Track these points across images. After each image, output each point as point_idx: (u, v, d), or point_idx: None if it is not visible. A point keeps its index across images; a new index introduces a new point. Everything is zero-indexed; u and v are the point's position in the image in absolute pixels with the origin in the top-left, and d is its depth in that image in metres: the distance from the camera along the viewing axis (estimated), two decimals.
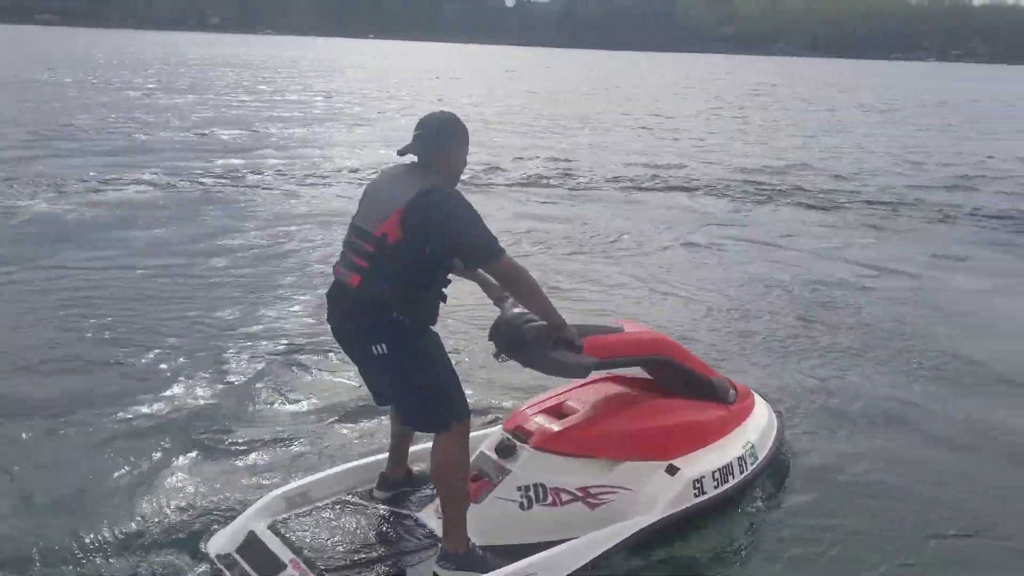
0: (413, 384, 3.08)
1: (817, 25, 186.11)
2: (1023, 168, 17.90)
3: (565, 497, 3.39)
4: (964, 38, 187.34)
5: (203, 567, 3.23)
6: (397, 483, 3.59)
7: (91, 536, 3.45)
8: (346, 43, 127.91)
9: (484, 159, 15.64)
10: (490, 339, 3.46)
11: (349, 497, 3.53)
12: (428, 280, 3.02)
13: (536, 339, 3.25)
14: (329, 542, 3.23)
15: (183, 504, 3.70)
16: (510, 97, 34.71)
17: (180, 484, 3.90)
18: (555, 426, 3.54)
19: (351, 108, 26.56)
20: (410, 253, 2.93)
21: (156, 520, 3.56)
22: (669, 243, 9.72)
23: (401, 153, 3.13)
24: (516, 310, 3.37)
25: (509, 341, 3.35)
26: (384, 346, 2.99)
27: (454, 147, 3.15)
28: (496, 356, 3.44)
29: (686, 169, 15.85)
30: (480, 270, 3.25)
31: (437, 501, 3.36)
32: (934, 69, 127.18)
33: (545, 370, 3.36)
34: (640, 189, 13.77)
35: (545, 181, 14.09)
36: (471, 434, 3.23)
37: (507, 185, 13.61)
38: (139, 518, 3.58)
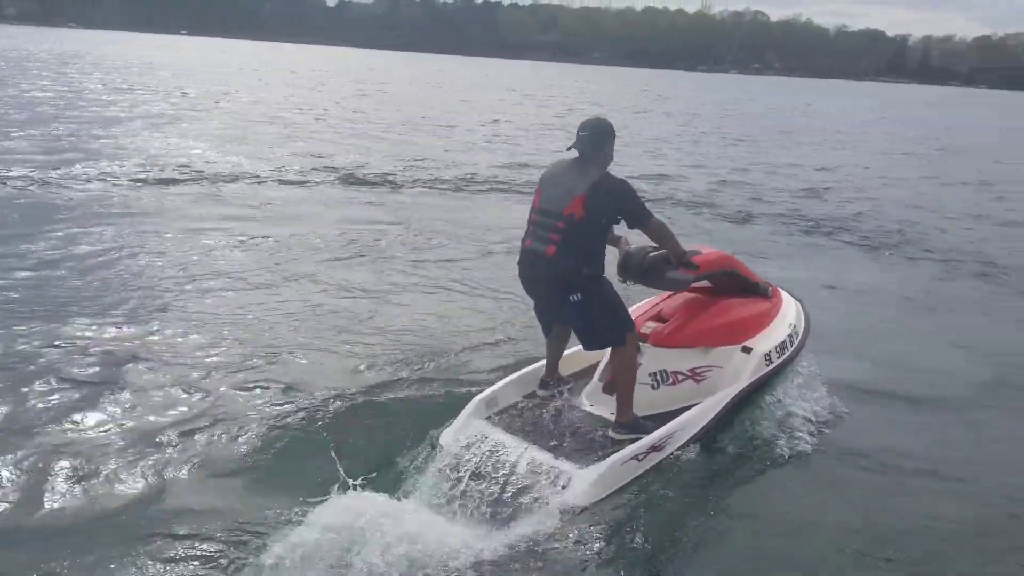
0: (601, 317, 4.46)
1: (632, 37, 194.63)
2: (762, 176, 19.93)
3: (680, 378, 4.88)
4: (762, 52, 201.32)
5: None
6: (552, 384, 4.99)
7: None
8: (157, 39, 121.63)
9: (312, 160, 15.95)
10: (619, 272, 4.79)
11: (525, 397, 4.97)
12: (601, 241, 4.44)
13: (654, 265, 4.73)
14: (530, 423, 4.65)
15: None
16: (320, 97, 34.55)
17: None
18: (664, 328, 4.92)
19: (155, 106, 25.72)
20: (591, 225, 4.30)
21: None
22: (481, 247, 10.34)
23: (569, 149, 4.42)
24: (633, 248, 4.82)
25: (636, 269, 4.78)
26: (579, 295, 4.36)
27: (608, 145, 4.47)
28: (623, 282, 4.80)
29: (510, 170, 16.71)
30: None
31: (586, 390, 5.01)
32: (734, 80, 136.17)
33: (661, 286, 4.99)
34: (463, 190, 14.45)
35: (374, 180, 14.48)
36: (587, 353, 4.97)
37: (328, 184, 13.95)
38: None
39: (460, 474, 4.28)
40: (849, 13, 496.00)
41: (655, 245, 4.69)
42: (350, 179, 14.45)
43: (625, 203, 4.34)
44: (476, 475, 4.28)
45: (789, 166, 21.18)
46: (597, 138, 4.42)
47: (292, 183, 13.78)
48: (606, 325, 4.50)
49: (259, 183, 13.43)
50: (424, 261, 9.27)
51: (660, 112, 41.42)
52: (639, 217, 4.37)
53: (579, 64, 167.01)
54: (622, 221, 4.42)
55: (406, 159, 17.38)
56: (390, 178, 14.77)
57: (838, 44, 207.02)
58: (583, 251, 4.32)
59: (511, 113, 33.47)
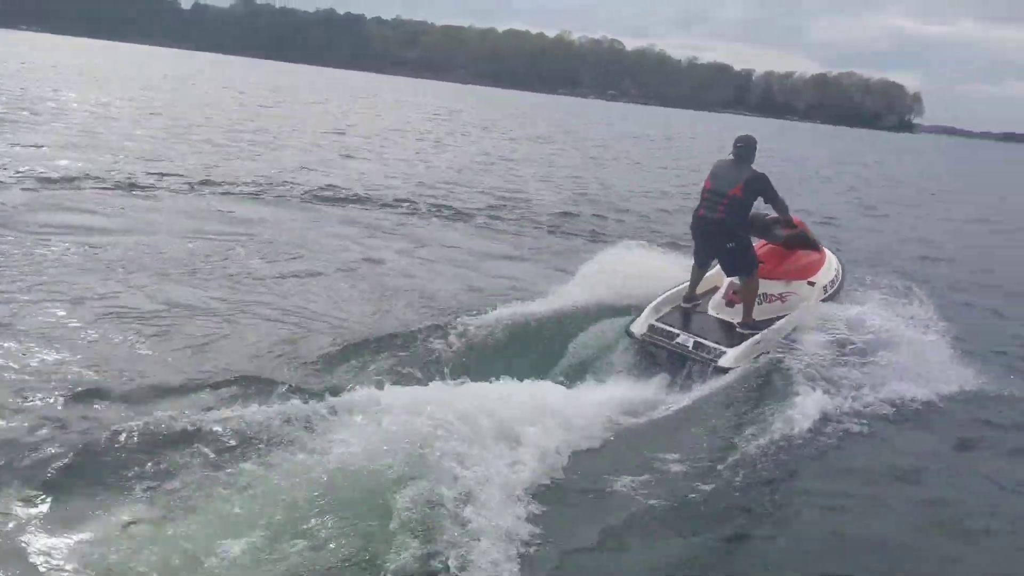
0: (744, 257, 7.54)
1: (493, 57, 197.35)
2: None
3: (772, 298, 7.85)
4: (618, 78, 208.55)
5: None
6: (694, 299, 7.98)
7: None
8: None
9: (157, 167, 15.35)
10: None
11: (675, 307, 7.85)
12: (748, 212, 7.51)
13: (768, 225, 8.16)
14: (684, 321, 7.55)
15: None
16: (165, 100, 33.42)
17: None
18: (763, 268, 7.68)
19: None
20: (746, 203, 7.39)
21: None
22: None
23: (730, 155, 7.54)
24: (757, 213, 7.99)
25: (760, 227, 8.09)
26: (733, 244, 7.43)
27: (754, 153, 7.61)
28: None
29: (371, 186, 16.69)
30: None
31: (712, 303, 8.07)
32: (589, 104, 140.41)
33: (769, 239, 8.19)
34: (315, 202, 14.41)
35: (227, 189, 14.19)
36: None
37: (172, 191, 13.57)
38: None
39: (650, 348, 7.36)
40: (699, 47, 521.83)
41: (766, 214, 8.16)
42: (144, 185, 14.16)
43: (766, 191, 7.62)
44: (659, 348, 7.35)
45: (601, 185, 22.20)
46: (748, 150, 7.65)
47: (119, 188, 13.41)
48: (747, 263, 7.65)
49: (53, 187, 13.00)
50: (253, 277, 9.28)
51: (523, 132, 42.26)
52: (771, 197, 7.72)
53: (441, 81, 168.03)
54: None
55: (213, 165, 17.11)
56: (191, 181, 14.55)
57: (689, 75, 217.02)
58: (740, 217, 7.53)
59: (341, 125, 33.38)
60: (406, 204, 15.21)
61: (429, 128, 36.78)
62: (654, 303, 7.72)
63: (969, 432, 6.67)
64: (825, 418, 6.18)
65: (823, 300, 8.03)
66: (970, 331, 9.33)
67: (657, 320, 7.52)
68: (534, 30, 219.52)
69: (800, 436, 5.88)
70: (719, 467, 5.49)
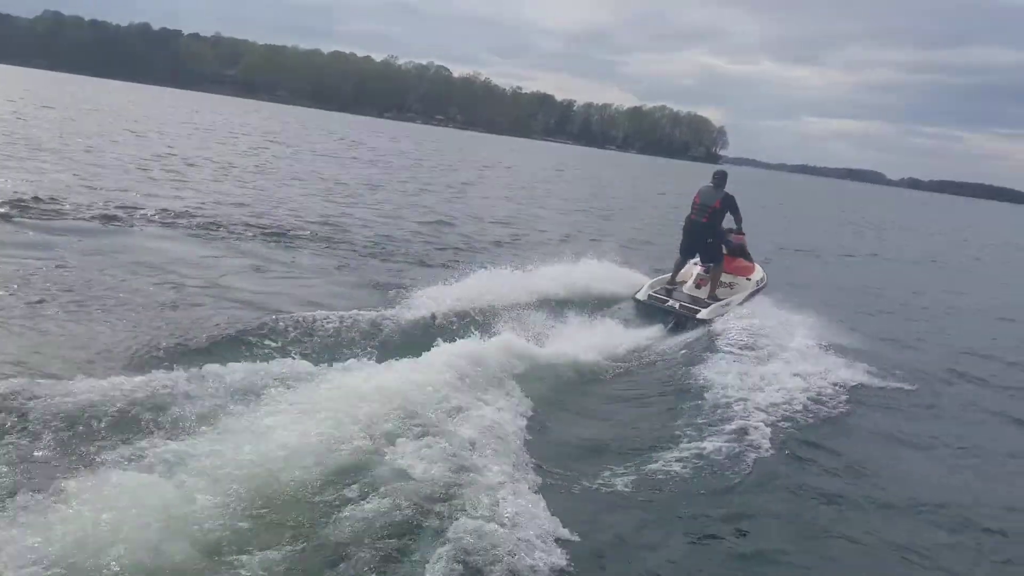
0: (717, 251, 11.93)
1: (318, 79, 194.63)
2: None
3: (724, 285, 12.09)
4: (445, 104, 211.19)
5: None
6: (674, 283, 12.15)
7: None
8: None
9: None
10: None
11: (662, 287, 12.03)
12: (722, 220, 11.85)
13: (726, 234, 12.24)
14: (671, 295, 11.66)
15: None
16: None
17: None
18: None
19: None
20: (722, 213, 11.69)
21: None
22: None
23: (712, 182, 11.86)
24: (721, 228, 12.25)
25: (719, 235, 11.99)
26: (712, 240, 11.80)
27: (727, 180, 11.89)
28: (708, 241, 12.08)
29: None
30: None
31: (686, 286, 12.20)
32: (417, 129, 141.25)
33: (727, 244, 12.24)
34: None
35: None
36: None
37: None
38: None
39: (650, 309, 11.32)
40: (523, 76, 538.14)
41: (728, 228, 12.28)
42: None
43: (734, 207, 11.76)
44: (656, 308, 11.29)
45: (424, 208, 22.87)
46: (723, 179, 11.85)
47: None
48: (718, 254, 11.90)
49: None
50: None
51: (350, 156, 42.21)
52: (736, 211, 11.88)
53: (260, 101, 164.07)
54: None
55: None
56: None
57: (514, 103, 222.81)
58: (717, 223, 11.73)
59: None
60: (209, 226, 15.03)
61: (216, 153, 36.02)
62: (649, 283, 12.10)
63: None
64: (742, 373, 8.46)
65: (753, 292, 12.07)
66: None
67: (653, 292, 11.81)
68: (360, 53, 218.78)
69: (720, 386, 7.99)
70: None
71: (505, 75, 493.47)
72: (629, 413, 7.61)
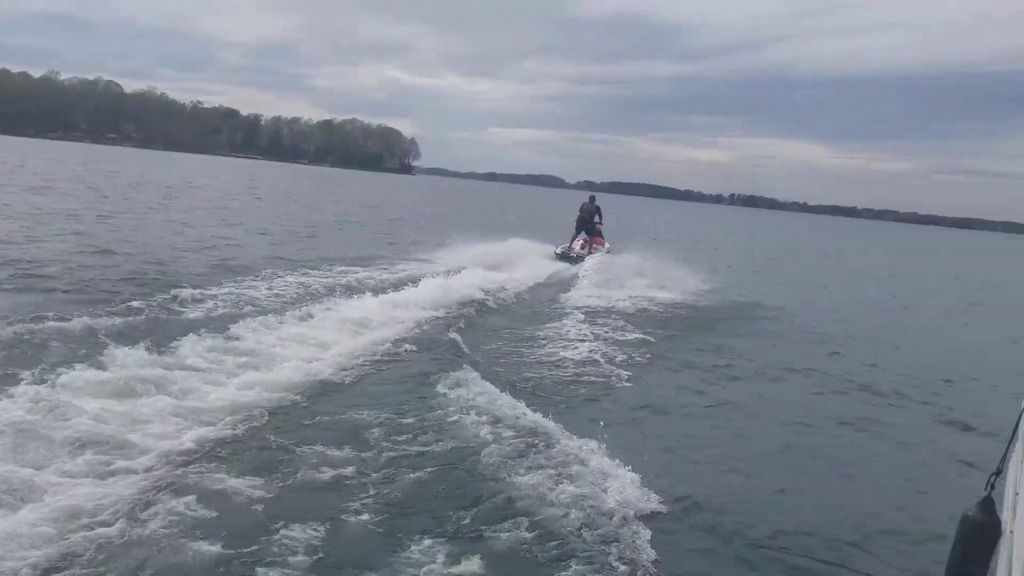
0: (595, 230, 26.67)
1: None
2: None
3: (595, 248, 26.03)
4: (117, 121, 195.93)
5: None
6: (571, 247, 26.30)
7: None
8: None
9: None
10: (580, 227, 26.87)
11: (564, 249, 26.19)
12: (594, 217, 26.71)
13: (595, 224, 26.86)
14: (570, 250, 25.88)
15: None
16: None
17: None
18: (592, 240, 26.60)
19: None
20: (597, 213, 26.65)
21: None
22: None
23: (589, 198, 27.22)
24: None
25: (591, 228, 26.70)
26: (591, 225, 26.62)
27: (595, 199, 27.33)
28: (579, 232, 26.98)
29: None
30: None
31: (575, 248, 26.23)
32: (87, 149, 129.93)
33: (594, 230, 26.78)
34: None
35: None
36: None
37: None
38: None
39: (560, 256, 25.44)
40: (205, 91, 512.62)
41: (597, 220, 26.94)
42: None
43: (600, 209, 26.73)
44: (564, 256, 25.28)
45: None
46: (594, 197, 27.29)
47: None
48: (596, 232, 26.45)
49: None
50: None
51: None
52: (600, 213, 26.77)
53: None
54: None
55: None
56: None
57: (195, 119, 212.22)
58: (593, 216, 26.54)
59: None
60: None
61: None
62: (561, 246, 26.01)
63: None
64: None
65: (605, 252, 25.10)
66: None
67: (561, 250, 25.64)
68: (14, 68, 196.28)
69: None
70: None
71: (186, 90, 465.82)
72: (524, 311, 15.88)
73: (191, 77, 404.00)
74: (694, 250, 39.80)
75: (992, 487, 3.05)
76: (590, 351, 12.09)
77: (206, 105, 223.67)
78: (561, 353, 11.86)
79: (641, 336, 13.82)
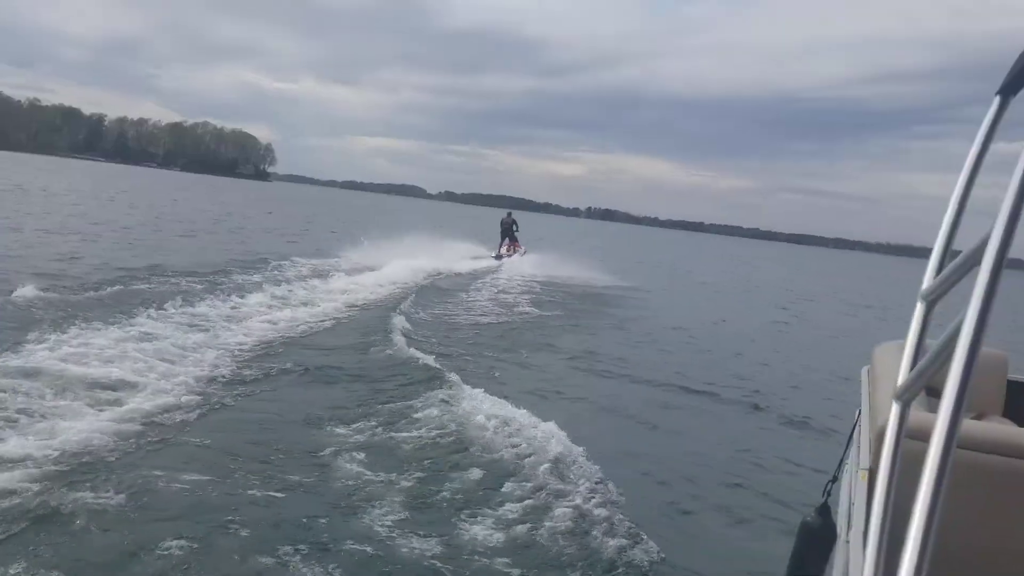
0: (516, 237, 35.14)
1: None
2: None
3: (514, 251, 34.29)
4: None
5: None
6: (500, 251, 34.44)
7: None
8: None
9: None
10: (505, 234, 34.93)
11: (496, 253, 34.28)
12: (512, 227, 35.33)
13: (514, 232, 35.58)
14: (500, 254, 33.98)
15: None
16: None
17: None
18: (514, 245, 34.98)
19: None
20: (513, 223, 35.43)
21: None
22: None
23: (507, 214, 36.19)
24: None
25: (511, 236, 35.04)
26: (512, 234, 34.98)
27: (513, 217, 36.09)
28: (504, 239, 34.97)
29: None
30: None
31: (501, 251, 34.41)
32: None
33: (513, 237, 35.44)
34: None
35: None
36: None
37: None
38: None
39: (495, 257, 33.05)
40: (43, 88, 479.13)
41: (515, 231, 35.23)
42: None
43: (516, 221, 35.38)
44: (498, 257, 33.15)
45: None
46: (511, 212, 36.36)
47: None
48: (516, 240, 34.51)
49: None
50: None
51: None
52: (516, 225, 35.20)
53: None
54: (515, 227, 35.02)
55: None
56: None
57: (32, 118, 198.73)
58: (513, 226, 34.90)
59: None
60: None
61: None
62: (495, 252, 33.58)
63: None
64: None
65: (522, 255, 32.88)
66: None
67: (496, 253, 33.29)
68: None
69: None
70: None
71: (21, 87, 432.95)
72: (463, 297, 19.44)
73: (26, 73, 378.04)
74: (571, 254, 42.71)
75: (828, 494, 3.12)
76: (498, 316, 16.96)
77: (44, 103, 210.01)
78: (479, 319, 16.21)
79: (541, 303, 19.72)
